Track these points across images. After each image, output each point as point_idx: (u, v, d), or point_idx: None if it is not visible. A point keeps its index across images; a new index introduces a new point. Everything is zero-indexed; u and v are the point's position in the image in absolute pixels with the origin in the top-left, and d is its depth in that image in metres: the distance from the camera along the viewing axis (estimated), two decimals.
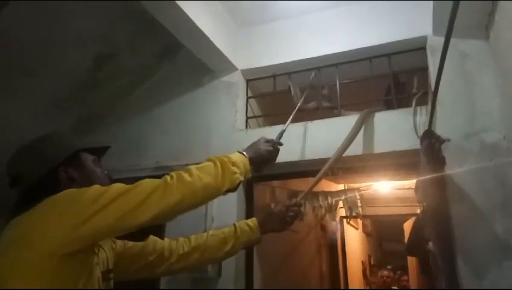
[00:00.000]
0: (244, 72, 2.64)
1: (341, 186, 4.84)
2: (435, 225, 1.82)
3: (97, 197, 1.03)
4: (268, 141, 1.47)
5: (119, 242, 1.38)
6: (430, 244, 2.05)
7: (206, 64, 2.55)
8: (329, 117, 2.32)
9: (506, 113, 1.83)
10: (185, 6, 2.02)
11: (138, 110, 2.80)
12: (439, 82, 1.42)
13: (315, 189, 2.06)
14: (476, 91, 1.98)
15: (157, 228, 1.18)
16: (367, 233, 7.60)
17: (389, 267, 6.40)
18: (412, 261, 5.22)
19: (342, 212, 4.86)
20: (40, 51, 2.20)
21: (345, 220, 5.55)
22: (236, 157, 1.28)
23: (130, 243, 1.41)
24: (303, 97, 2.21)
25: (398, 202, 5.58)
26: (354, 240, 6.43)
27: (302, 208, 1.81)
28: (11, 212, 1.10)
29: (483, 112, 1.93)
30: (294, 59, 2.51)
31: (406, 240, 4.19)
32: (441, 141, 1.74)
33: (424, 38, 2.20)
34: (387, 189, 4.94)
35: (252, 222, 1.61)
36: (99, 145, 1.31)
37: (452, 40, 1.15)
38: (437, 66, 1.35)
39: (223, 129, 2.50)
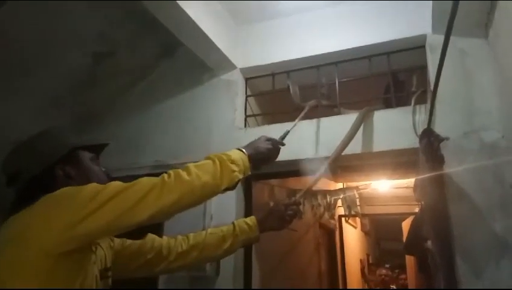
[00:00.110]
0: (243, 70, 2.64)
1: (340, 185, 4.84)
2: (434, 223, 1.82)
3: (94, 196, 1.01)
4: (269, 140, 1.46)
5: (117, 240, 1.38)
6: (429, 243, 2.05)
7: (205, 63, 2.54)
8: (328, 115, 2.32)
9: (505, 112, 1.83)
10: (185, 5, 2.01)
11: (137, 109, 2.80)
12: (439, 80, 1.42)
13: (314, 188, 2.06)
14: (475, 90, 1.98)
15: (155, 226, 1.17)
16: (365, 232, 7.61)
17: (387, 265, 6.43)
18: (410, 260, 5.23)
19: (341, 211, 4.86)
20: (38, 50, 2.19)
21: (343, 218, 5.56)
22: (235, 155, 1.27)
23: (128, 241, 1.40)
24: (306, 109, 2.19)
25: (397, 201, 5.60)
26: (353, 239, 6.44)
27: (301, 207, 1.81)
28: (8, 210, 1.09)
29: (482, 110, 1.93)
30: (293, 57, 2.50)
31: (404, 238, 4.20)
32: (439, 139, 1.74)
33: (423, 37, 2.20)
34: (386, 188, 4.94)
35: (251, 220, 1.60)
36: (97, 142, 1.30)
37: (451, 39, 1.15)
38: (436, 64, 1.35)
39: (222, 127, 2.50)
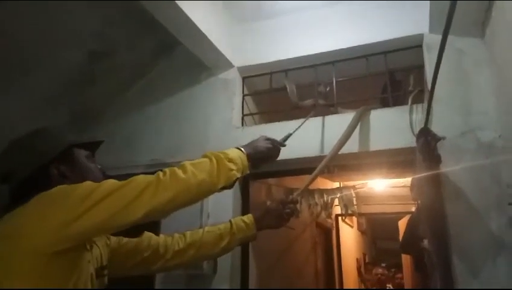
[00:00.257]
0: (241, 69, 2.63)
1: (336, 184, 4.84)
2: (430, 222, 1.83)
3: (89, 194, 1.01)
4: (268, 139, 1.45)
5: (114, 238, 1.37)
6: (425, 242, 2.05)
7: (203, 62, 2.54)
8: (325, 115, 2.32)
9: (502, 112, 1.84)
10: (183, 4, 2.01)
11: (134, 107, 2.79)
12: (436, 80, 1.42)
13: (311, 187, 2.07)
14: (472, 89, 1.98)
15: (152, 224, 1.16)
16: (362, 231, 7.63)
17: (383, 265, 6.43)
18: (406, 259, 5.25)
19: (337, 210, 4.86)
20: (36, 49, 2.19)
21: (340, 218, 5.57)
22: (233, 153, 1.26)
23: (125, 239, 1.39)
24: (311, 114, 2.19)
25: (393, 200, 5.60)
26: (349, 238, 6.46)
27: (298, 205, 1.81)
28: (1, 209, 1.08)
29: (479, 110, 1.93)
30: (291, 56, 2.50)
31: (400, 238, 4.21)
32: (436, 139, 1.74)
33: (420, 36, 2.21)
34: (382, 187, 4.95)
35: (248, 218, 1.60)
36: (92, 140, 1.29)
37: (448, 38, 1.15)
38: (433, 63, 1.35)
39: (219, 126, 2.49)
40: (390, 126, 2.11)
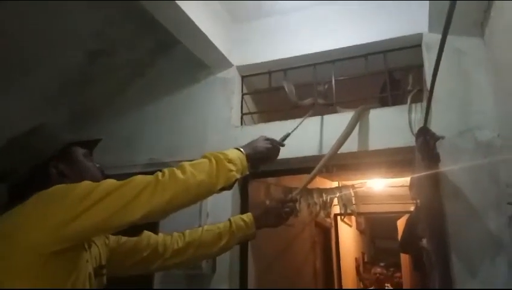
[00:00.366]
0: (240, 68, 2.63)
1: (335, 184, 4.85)
2: (429, 222, 1.83)
3: (88, 194, 1.00)
4: (267, 139, 1.45)
5: (113, 238, 1.37)
6: (424, 241, 2.06)
7: (202, 61, 2.53)
8: (324, 114, 2.32)
9: (500, 111, 1.84)
10: (182, 4, 2.00)
11: (133, 106, 2.78)
12: (435, 79, 1.42)
13: (310, 186, 2.07)
14: (471, 89, 1.98)
15: (151, 224, 1.16)
16: (360, 230, 7.64)
17: (382, 264, 6.43)
18: (405, 258, 5.26)
19: (336, 209, 4.87)
20: (35, 48, 2.19)
21: (338, 217, 5.58)
22: (232, 154, 1.25)
23: (124, 239, 1.39)
24: (309, 113, 2.19)
25: (392, 200, 5.61)
26: (348, 237, 6.46)
27: (297, 204, 1.81)
28: (0, 207, 1.07)
29: (478, 109, 1.94)
30: (290, 55, 2.50)
31: (399, 237, 4.22)
32: (435, 138, 1.74)
33: (419, 36, 2.21)
34: (381, 186, 4.95)
35: (248, 217, 1.60)
36: (90, 138, 1.29)
37: (448, 38, 1.15)
38: (432, 63, 1.36)
39: (218, 126, 2.49)
40: (389, 125, 2.11)
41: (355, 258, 6.89)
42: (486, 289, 1.71)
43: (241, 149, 1.32)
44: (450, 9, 1.04)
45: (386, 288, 5.84)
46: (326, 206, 3.54)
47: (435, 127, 1.89)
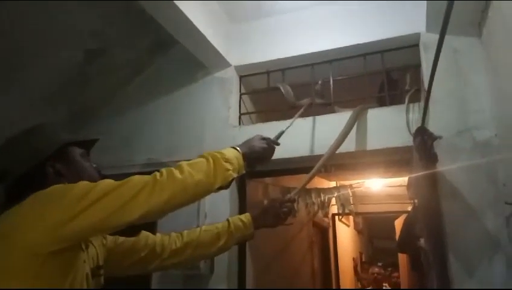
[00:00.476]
0: (238, 68, 2.63)
1: (333, 184, 4.85)
2: (427, 221, 1.83)
3: (85, 194, 1.00)
4: (263, 139, 1.45)
5: (110, 238, 1.36)
6: (422, 241, 2.06)
7: (200, 60, 2.53)
8: (322, 114, 2.32)
9: (498, 111, 1.85)
10: (180, 4, 2.00)
11: (131, 106, 2.78)
12: (433, 79, 1.42)
13: (308, 186, 2.07)
14: (468, 88, 1.99)
15: (149, 224, 1.15)
16: (358, 230, 7.64)
17: (379, 264, 6.44)
18: (402, 258, 5.26)
19: (334, 209, 4.87)
20: (34, 48, 2.18)
21: (336, 217, 5.58)
22: (229, 153, 1.26)
23: (121, 239, 1.39)
24: (302, 110, 2.19)
25: (390, 200, 5.62)
26: (346, 237, 6.46)
27: (295, 205, 1.81)
28: None
29: (475, 109, 1.94)
30: (288, 55, 2.50)
31: (397, 237, 4.22)
32: (433, 138, 1.75)
33: (417, 36, 2.21)
34: (379, 186, 4.97)
35: (246, 217, 1.59)
36: (87, 138, 1.28)
37: (445, 37, 1.15)
38: (430, 63, 1.36)
39: (216, 125, 2.49)
40: (387, 125, 2.12)
41: (353, 258, 6.89)
42: (484, 289, 1.72)
43: (238, 148, 1.32)
44: (447, 9, 1.04)
45: (384, 288, 5.85)
46: (324, 206, 3.55)
47: (432, 126, 1.90)
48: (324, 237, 5.39)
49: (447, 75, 2.02)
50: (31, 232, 0.96)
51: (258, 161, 1.42)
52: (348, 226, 6.64)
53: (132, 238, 1.41)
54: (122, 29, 2.37)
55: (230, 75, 2.60)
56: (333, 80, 2.43)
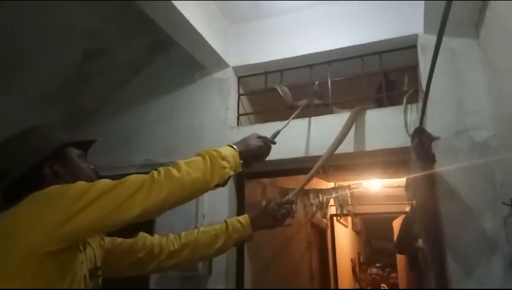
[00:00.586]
0: (236, 69, 2.63)
1: (331, 184, 4.85)
2: (425, 222, 1.83)
3: (83, 194, 1.00)
4: (260, 137, 1.46)
5: (108, 239, 1.36)
6: (420, 241, 2.06)
7: (198, 61, 2.53)
8: (320, 114, 2.32)
9: (495, 112, 1.85)
10: (179, 4, 2.00)
11: (129, 106, 2.77)
12: (431, 80, 1.42)
13: (306, 187, 2.06)
14: (466, 89, 1.99)
15: (146, 225, 1.16)
16: (356, 231, 7.65)
17: (378, 264, 6.47)
18: (400, 259, 5.27)
19: (332, 210, 4.87)
20: (33, 48, 2.18)
21: (334, 218, 5.58)
22: (226, 151, 1.26)
23: (119, 240, 1.39)
24: (299, 110, 2.19)
25: (388, 200, 5.63)
26: (344, 238, 6.47)
27: (293, 206, 1.81)
28: None
29: (473, 110, 1.95)
30: (286, 56, 2.50)
31: (395, 238, 4.23)
32: (431, 138, 1.75)
33: (415, 37, 2.21)
34: (377, 187, 4.97)
35: (244, 218, 1.59)
36: (84, 139, 1.29)
37: (443, 38, 1.15)
38: (428, 64, 1.36)
39: (214, 126, 2.49)
40: (385, 126, 2.12)
41: (351, 259, 6.90)
42: (482, 289, 1.72)
43: (234, 146, 1.33)
44: (445, 10, 1.04)
45: (382, 288, 5.86)
46: (323, 207, 3.55)
47: (430, 127, 1.90)
48: (322, 238, 5.39)
49: (445, 76, 2.03)
50: (29, 233, 0.96)
51: (255, 159, 1.43)
52: (346, 227, 6.65)
53: (130, 240, 1.41)
54: (122, 29, 2.37)
55: (228, 76, 2.60)
56: (331, 81, 2.43)
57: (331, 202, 3.79)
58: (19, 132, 1.17)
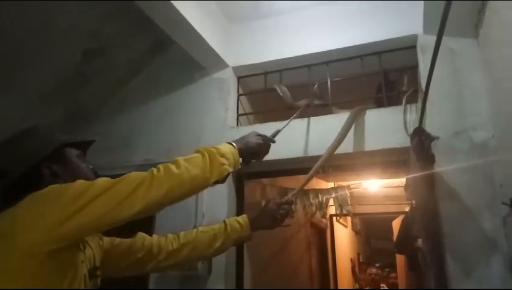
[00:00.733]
0: (236, 69, 2.63)
1: (331, 184, 4.86)
2: (424, 222, 1.84)
3: (82, 192, 1.00)
4: (259, 135, 1.46)
5: (107, 239, 1.36)
6: (419, 241, 2.07)
7: (198, 61, 2.53)
8: (320, 115, 2.33)
9: (495, 112, 1.85)
10: (178, 4, 2.00)
11: (128, 107, 2.77)
12: (431, 80, 1.43)
13: (306, 187, 2.07)
14: (465, 89, 1.99)
15: (146, 225, 1.16)
16: (356, 231, 7.66)
17: (377, 264, 6.47)
18: (400, 259, 5.27)
19: (332, 210, 4.87)
20: (31, 46, 2.17)
21: (334, 218, 5.58)
22: (225, 148, 1.27)
23: (118, 240, 1.39)
24: (299, 110, 2.20)
25: (387, 200, 5.63)
26: (343, 238, 6.47)
27: (293, 206, 1.81)
28: None
29: (472, 110, 1.95)
30: (286, 56, 2.50)
31: (394, 238, 4.23)
32: (430, 138, 1.75)
33: (414, 37, 2.22)
34: (377, 187, 4.97)
35: (242, 219, 1.59)
36: (83, 139, 1.29)
37: (442, 38, 1.15)
38: (427, 64, 1.36)
39: (213, 126, 2.49)
40: (385, 126, 2.12)
41: (351, 259, 6.90)
42: (481, 289, 1.72)
43: (233, 143, 1.34)
44: (445, 10, 1.04)
45: (382, 288, 5.86)
46: (322, 207, 3.55)
47: (429, 127, 1.90)
48: (322, 238, 5.39)
49: (444, 76, 2.03)
50: (29, 233, 0.96)
51: (253, 156, 1.44)
52: (346, 227, 6.65)
53: (129, 240, 1.41)
54: (121, 29, 2.37)
55: (228, 76, 2.60)
56: (331, 81, 2.43)
57: (331, 202, 3.79)
58: (18, 131, 1.17)
